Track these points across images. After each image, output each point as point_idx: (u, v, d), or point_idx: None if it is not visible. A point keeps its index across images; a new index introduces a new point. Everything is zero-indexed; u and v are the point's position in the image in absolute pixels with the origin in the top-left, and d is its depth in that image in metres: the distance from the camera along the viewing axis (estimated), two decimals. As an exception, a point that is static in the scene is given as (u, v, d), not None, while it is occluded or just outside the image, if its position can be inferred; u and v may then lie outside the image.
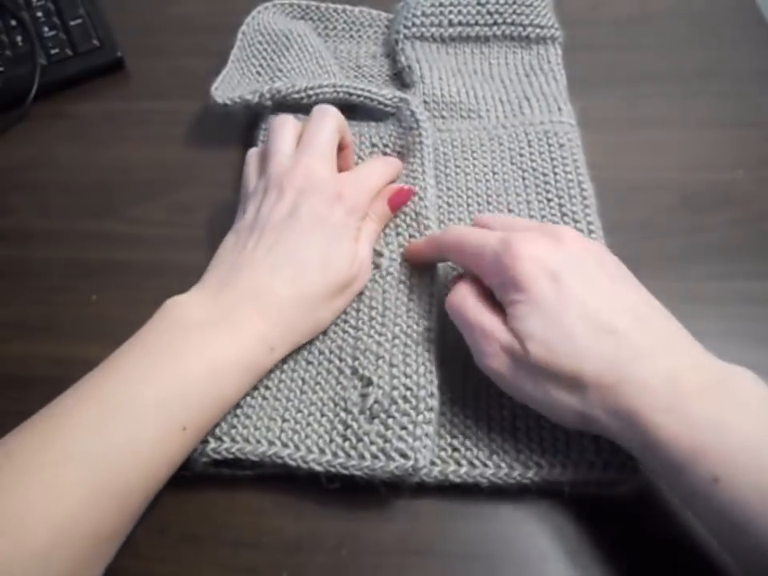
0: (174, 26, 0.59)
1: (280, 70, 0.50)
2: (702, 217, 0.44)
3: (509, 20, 0.51)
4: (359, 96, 0.46)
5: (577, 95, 0.49)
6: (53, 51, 0.55)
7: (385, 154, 0.45)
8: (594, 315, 0.30)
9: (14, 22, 0.56)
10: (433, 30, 0.52)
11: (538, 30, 0.51)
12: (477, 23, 0.52)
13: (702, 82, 0.51)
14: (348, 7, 0.56)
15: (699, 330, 0.39)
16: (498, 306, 0.33)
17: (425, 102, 0.48)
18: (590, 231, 0.40)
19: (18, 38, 0.55)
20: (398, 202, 0.41)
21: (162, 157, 0.50)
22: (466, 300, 0.34)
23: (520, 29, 0.51)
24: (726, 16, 0.56)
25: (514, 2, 0.51)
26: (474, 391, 0.35)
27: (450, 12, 0.52)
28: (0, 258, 0.45)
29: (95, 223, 0.46)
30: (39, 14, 0.56)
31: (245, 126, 0.51)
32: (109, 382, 0.31)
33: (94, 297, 0.43)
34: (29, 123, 0.53)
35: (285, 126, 0.41)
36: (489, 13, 0.52)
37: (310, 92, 0.45)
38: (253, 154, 0.42)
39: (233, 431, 0.34)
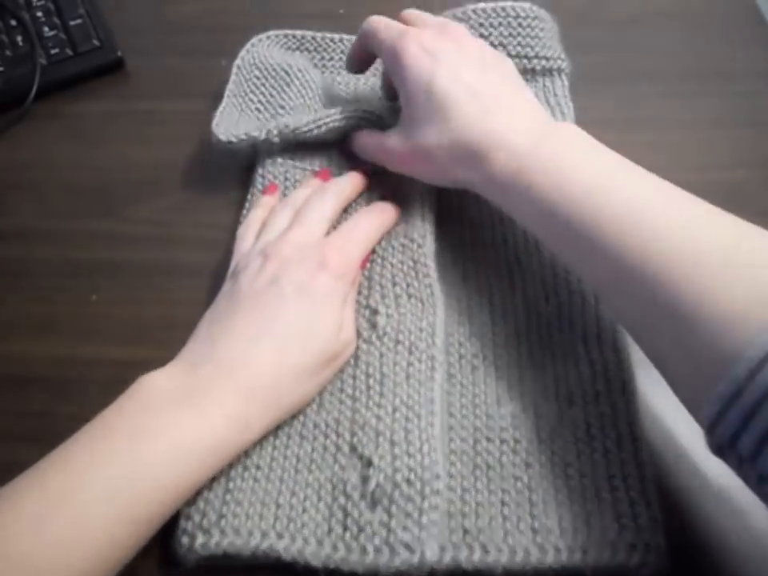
0: (173, 26, 0.59)
1: (282, 107, 0.48)
2: (702, 216, 0.43)
3: (513, 52, 0.48)
4: (368, 118, 0.44)
5: (576, 95, 0.49)
6: (53, 51, 0.55)
7: (382, 198, 0.42)
8: (461, 86, 0.36)
9: (14, 22, 0.56)
10: None
11: (543, 62, 0.49)
12: None
13: (702, 82, 0.51)
14: (345, 36, 0.54)
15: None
16: None
17: None
18: None
19: (18, 38, 0.55)
20: (365, 264, 0.40)
21: (161, 157, 0.50)
22: (361, 138, 0.42)
23: (525, 61, 0.48)
24: (726, 16, 0.56)
25: (518, 34, 0.49)
26: (485, 463, 0.33)
27: None
28: None
29: (95, 223, 0.46)
30: (39, 13, 0.56)
31: (245, 125, 0.51)
32: (58, 473, 0.29)
33: (94, 297, 0.43)
34: (29, 123, 0.53)
35: (284, 205, 0.41)
36: (492, 45, 0.48)
37: (320, 122, 0.43)
38: (242, 229, 0.41)
39: (222, 522, 0.31)
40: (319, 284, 0.35)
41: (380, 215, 0.41)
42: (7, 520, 0.27)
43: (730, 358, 0.24)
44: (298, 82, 0.49)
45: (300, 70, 0.50)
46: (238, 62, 0.51)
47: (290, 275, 0.35)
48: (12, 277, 0.44)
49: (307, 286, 0.35)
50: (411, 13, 0.43)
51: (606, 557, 0.29)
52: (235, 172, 0.47)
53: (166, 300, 0.42)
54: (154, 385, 0.32)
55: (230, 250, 0.41)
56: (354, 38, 0.52)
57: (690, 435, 0.33)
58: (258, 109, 0.48)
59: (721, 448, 0.26)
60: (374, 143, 0.42)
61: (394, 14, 0.56)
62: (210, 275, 0.42)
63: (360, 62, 0.46)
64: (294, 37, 0.54)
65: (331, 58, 0.54)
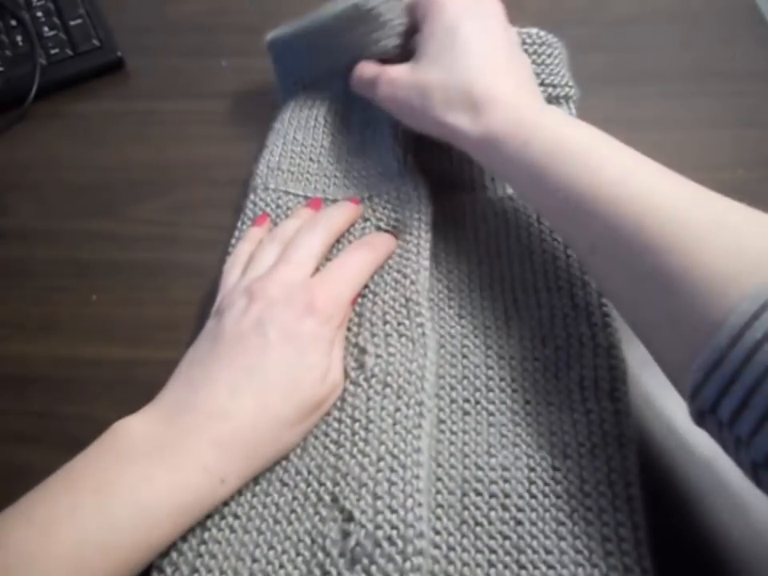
0: (174, 26, 0.59)
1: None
2: (702, 217, 0.43)
3: None
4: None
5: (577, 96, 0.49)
6: (53, 51, 0.54)
7: (378, 228, 0.41)
8: (480, 45, 0.38)
9: (14, 22, 0.56)
10: None
11: (550, 90, 0.47)
12: None
13: (702, 81, 0.51)
14: None
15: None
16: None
17: (425, 170, 0.44)
18: (606, 324, 0.37)
19: (18, 38, 0.55)
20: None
21: (161, 157, 0.50)
22: (363, 66, 0.43)
23: None
24: (726, 16, 0.56)
25: None
26: (473, 519, 0.31)
27: None
28: None
29: (95, 223, 0.46)
30: (39, 13, 0.56)
31: (245, 125, 0.51)
32: (20, 526, 0.27)
33: (94, 297, 0.43)
34: (29, 123, 0.53)
35: (271, 239, 0.40)
36: None
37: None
38: (228, 264, 0.40)
39: None
40: (305, 328, 0.34)
41: (372, 250, 0.39)
42: None
43: (714, 325, 0.25)
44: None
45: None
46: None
47: (276, 318, 0.33)
48: (12, 277, 0.44)
49: (293, 331, 0.33)
50: None
51: None
52: (235, 172, 0.47)
53: (166, 300, 0.42)
54: (128, 433, 0.30)
55: (230, 250, 0.42)
56: None
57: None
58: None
59: (702, 415, 0.26)
60: (374, 70, 0.42)
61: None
62: (210, 275, 0.42)
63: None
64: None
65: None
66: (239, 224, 0.43)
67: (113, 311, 0.42)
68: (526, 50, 0.47)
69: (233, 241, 0.42)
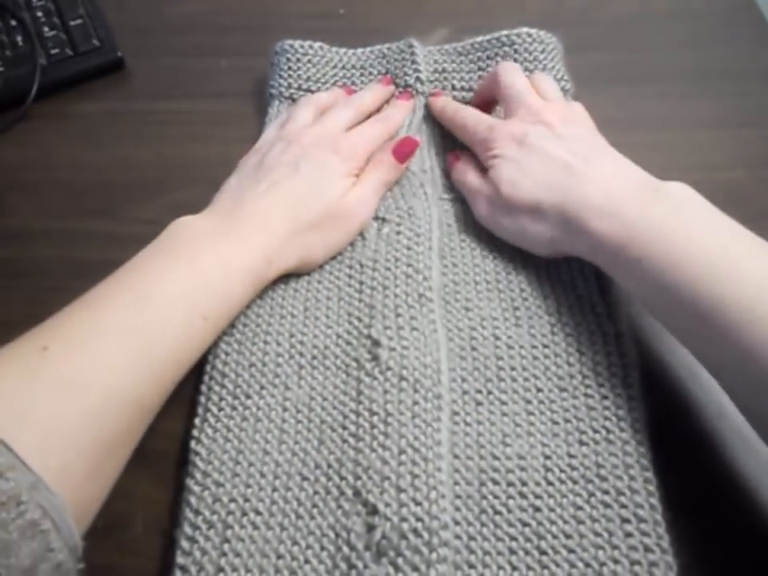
0: (174, 26, 0.59)
1: None
2: (702, 217, 0.43)
3: None
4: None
5: (576, 95, 0.49)
6: (53, 51, 0.54)
7: (376, 218, 0.43)
8: (551, 157, 0.38)
9: (14, 22, 0.56)
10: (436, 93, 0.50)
11: None
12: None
13: (702, 81, 0.51)
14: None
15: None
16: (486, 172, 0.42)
17: (426, 171, 0.46)
18: (609, 314, 0.37)
19: (18, 38, 0.55)
20: (402, 152, 0.44)
21: (161, 157, 0.50)
22: (465, 173, 0.44)
23: None
24: (726, 16, 0.56)
25: (515, 60, 0.48)
26: (492, 508, 0.32)
27: (453, 78, 0.50)
28: (-1, 257, 0.45)
29: (95, 223, 0.46)
30: (39, 14, 0.56)
31: (245, 125, 0.51)
32: (136, 275, 0.35)
33: (94, 297, 0.43)
34: (29, 123, 0.53)
35: (308, 103, 0.47)
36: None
37: None
38: (275, 122, 0.47)
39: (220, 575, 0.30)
40: (329, 161, 0.42)
41: (385, 123, 0.46)
42: (108, 304, 0.33)
43: None
44: None
45: None
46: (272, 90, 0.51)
47: (307, 155, 0.42)
48: (12, 277, 0.44)
49: (319, 162, 0.41)
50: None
51: None
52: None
53: (166, 300, 0.42)
54: (192, 224, 0.38)
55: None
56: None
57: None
58: None
59: None
60: (476, 183, 0.43)
61: (395, 15, 0.56)
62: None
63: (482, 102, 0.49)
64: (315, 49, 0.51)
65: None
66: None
67: (113, 311, 0.42)
68: (515, 50, 0.48)
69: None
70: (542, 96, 0.43)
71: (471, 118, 0.45)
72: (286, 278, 0.40)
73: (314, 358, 0.37)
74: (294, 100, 0.50)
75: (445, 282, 0.40)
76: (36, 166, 0.50)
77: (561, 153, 0.38)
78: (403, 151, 0.44)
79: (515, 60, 0.48)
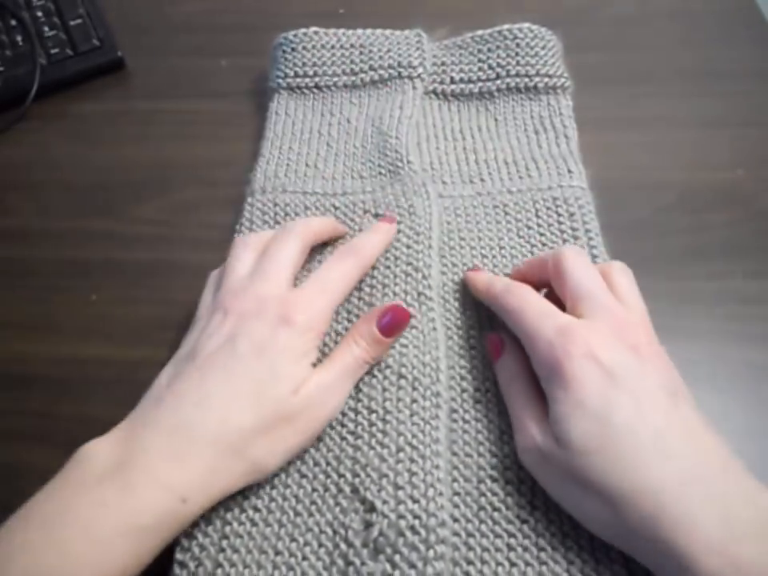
0: (174, 26, 0.59)
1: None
2: (702, 216, 0.44)
3: (513, 72, 0.48)
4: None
5: (576, 95, 0.49)
6: (53, 51, 0.54)
7: (376, 216, 0.41)
8: (642, 430, 0.27)
9: (13, 22, 0.56)
10: (434, 86, 0.50)
11: (546, 80, 0.48)
12: (479, 79, 0.49)
13: (701, 81, 0.51)
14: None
15: (698, 329, 0.39)
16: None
17: (427, 169, 0.46)
18: None
19: (18, 38, 0.55)
20: (390, 325, 0.34)
21: (162, 156, 0.50)
22: (511, 381, 0.33)
23: (526, 79, 0.48)
24: (726, 16, 0.56)
25: (517, 54, 0.48)
26: (490, 505, 0.31)
27: (452, 70, 0.50)
28: None
29: (95, 223, 0.46)
30: (39, 13, 0.56)
31: (245, 124, 0.51)
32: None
33: (94, 296, 0.43)
34: (29, 123, 0.53)
35: (245, 247, 0.37)
36: (491, 67, 0.49)
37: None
38: (213, 274, 0.38)
39: (219, 572, 0.29)
40: (279, 340, 0.32)
41: (355, 255, 0.37)
42: None
43: None
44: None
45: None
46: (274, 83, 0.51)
47: (248, 331, 0.32)
48: (12, 277, 0.44)
49: (265, 343, 0.32)
50: (567, 269, 0.33)
51: None
52: (235, 171, 0.47)
53: (166, 300, 0.42)
54: (89, 458, 0.29)
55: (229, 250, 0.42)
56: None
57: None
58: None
59: None
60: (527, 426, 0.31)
61: (395, 15, 0.56)
62: (210, 275, 0.42)
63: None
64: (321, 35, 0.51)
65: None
66: (238, 227, 0.43)
67: (113, 311, 0.42)
68: (517, 44, 0.49)
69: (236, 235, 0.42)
70: (618, 297, 0.32)
71: (532, 306, 0.33)
72: None
73: None
74: (293, 90, 0.50)
75: (444, 281, 0.39)
76: (36, 165, 0.50)
77: (653, 421, 0.27)
78: (392, 324, 0.35)
79: (515, 54, 0.49)
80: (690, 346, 0.38)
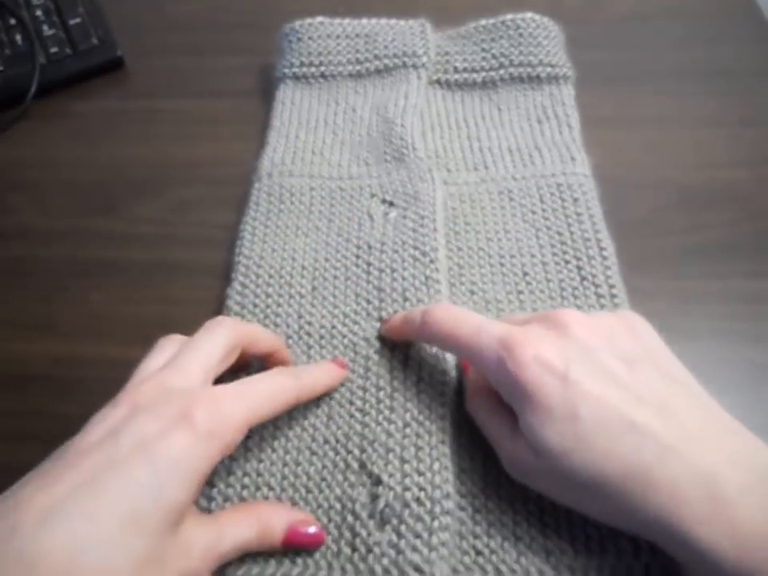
0: (173, 25, 0.59)
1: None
2: (702, 215, 0.44)
3: (516, 61, 0.49)
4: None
5: (576, 94, 0.49)
6: (52, 50, 0.54)
7: (383, 201, 0.43)
8: (610, 412, 0.26)
9: (13, 21, 0.56)
10: (438, 76, 0.50)
11: (549, 69, 0.49)
12: (482, 68, 0.50)
13: (701, 80, 0.51)
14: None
15: (698, 329, 0.39)
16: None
17: (432, 156, 0.46)
18: (612, 295, 0.37)
19: (18, 37, 0.55)
20: (294, 539, 0.29)
21: (161, 156, 0.50)
22: (477, 398, 0.32)
23: (529, 69, 0.49)
24: (726, 14, 0.56)
25: (520, 44, 0.49)
26: (495, 481, 0.32)
27: (455, 59, 0.50)
28: (-1, 257, 0.45)
29: (95, 222, 0.46)
30: (39, 12, 0.56)
31: (245, 123, 0.51)
32: None
33: (94, 296, 0.43)
34: (28, 122, 0.53)
35: (169, 340, 0.32)
36: (494, 56, 0.49)
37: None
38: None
39: None
40: (171, 443, 0.25)
41: (295, 379, 0.32)
42: None
43: None
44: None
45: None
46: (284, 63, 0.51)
47: (135, 426, 0.26)
48: (11, 275, 0.44)
49: (153, 444, 0.25)
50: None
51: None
52: (236, 171, 0.47)
53: (166, 299, 0.42)
54: None
55: (230, 249, 0.42)
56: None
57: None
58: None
59: None
60: (496, 432, 0.31)
61: (394, 13, 0.56)
62: (210, 275, 0.42)
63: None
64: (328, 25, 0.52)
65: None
66: (247, 211, 0.43)
67: (112, 310, 0.42)
68: (520, 34, 0.49)
69: (240, 233, 0.42)
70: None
71: (463, 324, 0.31)
72: (292, 256, 0.41)
73: (321, 337, 0.38)
74: (299, 79, 0.51)
75: (450, 266, 0.40)
76: (35, 164, 0.50)
77: (619, 401, 0.27)
78: (297, 540, 0.30)
79: (518, 43, 0.49)
80: (689, 346, 0.38)
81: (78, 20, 0.56)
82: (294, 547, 0.30)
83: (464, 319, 0.31)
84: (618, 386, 0.27)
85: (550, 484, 0.28)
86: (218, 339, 0.31)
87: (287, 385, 0.31)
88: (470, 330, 0.30)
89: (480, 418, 0.32)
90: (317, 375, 0.34)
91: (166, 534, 0.25)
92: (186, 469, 0.25)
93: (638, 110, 0.50)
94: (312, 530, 0.30)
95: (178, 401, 0.27)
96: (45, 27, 0.56)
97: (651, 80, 0.51)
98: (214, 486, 0.32)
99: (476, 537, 0.31)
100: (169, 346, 0.31)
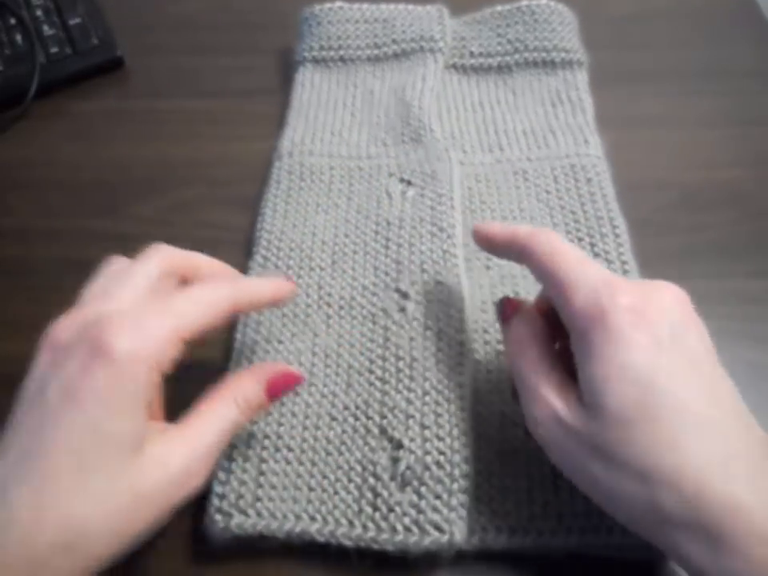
0: (173, 25, 0.59)
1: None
2: (702, 215, 0.44)
3: (531, 46, 0.50)
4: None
5: (577, 94, 0.49)
6: (52, 50, 0.54)
7: (401, 180, 0.44)
8: (690, 399, 0.24)
9: (13, 21, 0.56)
10: (454, 61, 0.51)
11: (563, 54, 0.50)
12: (498, 53, 0.51)
13: (701, 81, 0.51)
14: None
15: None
16: (564, 354, 0.27)
17: (447, 137, 0.47)
18: (625, 271, 0.39)
19: (18, 37, 0.55)
20: (277, 390, 0.30)
21: (161, 155, 0.50)
22: (521, 345, 0.29)
23: (543, 54, 0.50)
24: (726, 15, 0.56)
25: (535, 29, 0.50)
26: (511, 448, 0.33)
27: (471, 44, 0.51)
28: (-1, 257, 0.45)
29: (95, 222, 0.46)
30: (39, 12, 0.56)
31: (246, 123, 0.51)
32: None
33: (94, 296, 0.42)
34: (28, 122, 0.53)
35: (106, 268, 0.30)
36: (509, 41, 0.50)
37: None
38: None
39: (258, 504, 0.31)
40: (95, 381, 0.24)
41: (230, 287, 0.29)
42: None
43: None
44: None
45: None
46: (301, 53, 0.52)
47: (59, 372, 0.24)
48: (11, 276, 0.44)
49: (76, 386, 0.24)
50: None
51: (634, 536, 0.28)
52: (236, 171, 0.47)
53: (166, 299, 0.42)
54: None
55: (231, 249, 0.42)
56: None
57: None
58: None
59: None
60: (532, 382, 0.28)
61: None
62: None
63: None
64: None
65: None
66: (268, 189, 0.44)
67: (113, 311, 0.42)
68: (535, 20, 0.50)
69: (261, 209, 0.43)
70: None
71: (570, 251, 0.28)
72: (312, 231, 0.41)
73: (341, 308, 0.38)
74: (317, 62, 0.52)
75: (466, 242, 0.41)
76: (35, 164, 0.50)
77: (702, 394, 0.24)
78: (278, 388, 0.30)
79: (533, 29, 0.50)
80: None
81: (77, 20, 0.56)
82: (282, 395, 0.30)
83: (571, 248, 0.29)
84: (703, 379, 0.25)
85: (587, 458, 0.25)
86: (152, 264, 0.29)
87: (221, 292, 0.28)
88: (575, 258, 0.28)
89: (522, 366, 0.28)
90: (257, 283, 0.32)
91: (126, 466, 0.24)
92: (118, 399, 0.24)
93: (639, 110, 0.50)
94: (287, 371, 0.31)
95: (93, 332, 0.25)
96: (45, 27, 0.56)
97: (651, 80, 0.52)
98: (236, 447, 0.33)
99: (491, 499, 0.32)
100: (101, 277, 0.30)
